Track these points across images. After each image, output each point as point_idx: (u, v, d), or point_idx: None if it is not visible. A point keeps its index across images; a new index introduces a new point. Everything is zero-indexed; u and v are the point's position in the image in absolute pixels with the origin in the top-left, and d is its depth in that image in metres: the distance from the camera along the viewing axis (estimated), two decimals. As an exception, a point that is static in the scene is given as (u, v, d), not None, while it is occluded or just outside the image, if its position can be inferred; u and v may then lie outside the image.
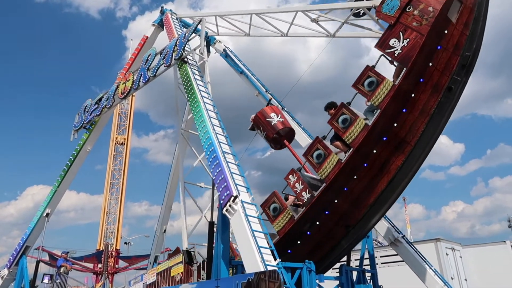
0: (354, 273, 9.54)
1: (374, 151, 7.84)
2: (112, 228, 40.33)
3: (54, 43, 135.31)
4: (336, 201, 8.13)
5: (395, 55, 7.75)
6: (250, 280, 6.05)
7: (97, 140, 17.91)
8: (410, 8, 7.78)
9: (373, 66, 8.20)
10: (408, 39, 7.65)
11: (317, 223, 8.27)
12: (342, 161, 7.94)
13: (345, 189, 8.07)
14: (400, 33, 7.80)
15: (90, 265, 36.04)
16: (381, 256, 15.72)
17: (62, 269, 14.28)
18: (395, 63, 7.98)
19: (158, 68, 13.58)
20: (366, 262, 10.42)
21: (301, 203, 8.38)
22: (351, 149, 7.87)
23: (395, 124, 7.80)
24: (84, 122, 16.82)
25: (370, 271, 10.03)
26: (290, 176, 8.72)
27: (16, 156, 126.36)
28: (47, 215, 16.38)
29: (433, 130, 7.89)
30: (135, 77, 14.51)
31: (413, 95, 7.73)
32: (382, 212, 8.48)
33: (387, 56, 8.04)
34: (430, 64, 7.67)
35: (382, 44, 8.02)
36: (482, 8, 7.85)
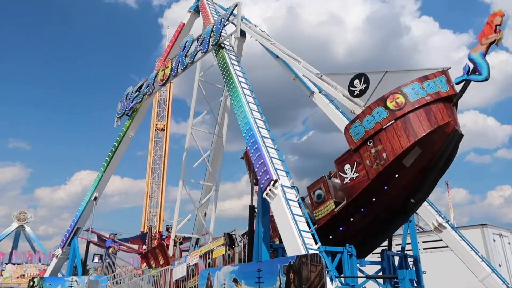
0: (396, 258, 9.40)
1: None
2: (154, 212, 41.85)
3: (94, 33, 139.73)
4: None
5: (344, 182, 7.83)
6: (291, 263, 6.11)
7: (138, 126, 18.54)
8: (371, 143, 7.55)
9: (329, 177, 8.54)
10: (358, 174, 7.63)
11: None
12: (335, 211, 8.11)
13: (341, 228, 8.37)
14: (355, 163, 7.73)
15: (135, 247, 37.74)
16: (423, 242, 15.34)
17: (110, 250, 15.05)
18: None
19: (196, 54, 13.75)
20: (408, 247, 10.22)
21: None
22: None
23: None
24: (126, 109, 17.39)
25: (412, 256, 9.83)
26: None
27: (64, 143, 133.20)
28: (95, 198, 17.24)
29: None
30: (173, 64, 14.77)
31: (351, 219, 8.00)
32: None
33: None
34: (374, 199, 7.68)
35: (339, 164, 8.06)
36: (445, 155, 7.45)
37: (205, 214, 18.22)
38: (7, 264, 40.27)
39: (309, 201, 8.87)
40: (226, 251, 9.54)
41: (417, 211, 10.14)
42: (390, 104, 7.48)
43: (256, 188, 9.34)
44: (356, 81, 9.08)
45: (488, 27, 7.09)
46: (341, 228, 8.26)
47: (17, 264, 40.48)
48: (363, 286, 8.52)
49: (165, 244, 15.28)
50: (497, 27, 6.93)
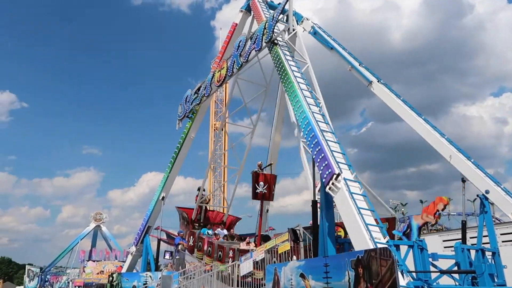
0: (472, 252, 8.83)
1: None
2: (217, 209, 42.97)
3: (151, 41, 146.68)
4: None
5: None
6: (360, 258, 5.98)
7: (199, 127, 19.18)
8: None
9: None
10: None
11: None
12: None
13: None
14: None
15: (201, 243, 39.04)
16: (501, 234, 14.25)
17: (179, 247, 15.72)
18: None
19: (250, 53, 13.91)
20: (484, 240, 9.55)
21: None
22: None
23: None
24: (186, 111, 18.06)
25: (490, 250, 9.17)
26: None
27: (131, 147, 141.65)
28: (163, 198, 18.16)
29: None
30: (228, 64, 15.07)
31: None
32: None
33: None
34: None
35: None
36: None
37: (267, 211, 18.42)
38: (88, 261, 43.70)
39: None
40: (291, 246, 9.58)
41: (493, 200, 9.47)
42: None
43: (318, 183, 9.28)
44: None
45: (432, 206, 8.33)
46: None
47: (97, 261, 43.74)
48: (437, 282, 8.14)
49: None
50: (437, 212, 8.16)
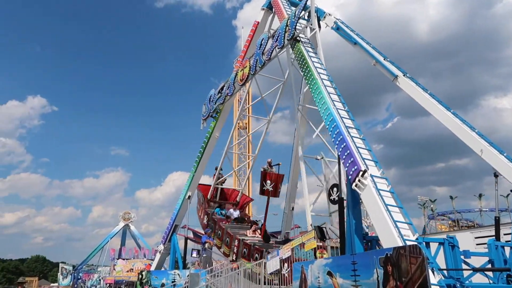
0: (506, 249, 8.53)
1: None
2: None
3: (174, 42, 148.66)
4: None
5: None
6: (388, 255, 5.88)
7: (222, 126, 19.32)
8: None
9: None
10: None
11: None
12: None
13: None
14: None
15: (227, 241, 39.34)
16: (537, 230, 13.71)
17: (206, 245, 15.89)
18: None
19: (272, 51, 13.88)
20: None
21: None
22: None
23: None
24: (210, 111, 18.22)
25: (526, 246, 8.83)
26: None
27: (157, 148, 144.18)
28: (189, 197, 18.42)
29: None
30: (251, 63, 15.10)
31: None
32: None
33: None
34: None
35: None
36: None
37: (293, 208, 18.38)
38: (118, 259, 44.83)
39: None
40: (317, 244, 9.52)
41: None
42: None
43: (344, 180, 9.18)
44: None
45: None
46: None
47: (126, 259, 44.82)
48: (470, 280, 7.91)
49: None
50: None
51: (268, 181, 15.29)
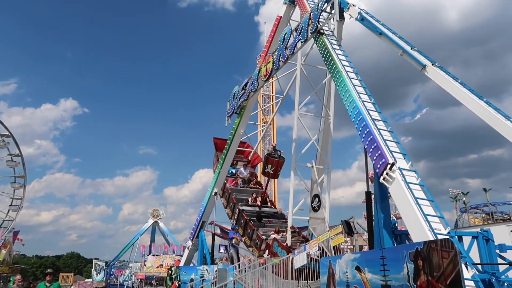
0: (546, 242, 8.14)
1: None
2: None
3: (198, 42, 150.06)
4: None
5: None
6: (419, 250, 5.72)
7: (247, 123, 19.32)
8: None
9: None
10: None
11: None
12: None
13: None
14: None
15: (254, 237, 39.53)
16: None
17: (233, 241, 16.01)
18: None
19: (296, 45, 13.74)
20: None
21: None
22: None
23: None
24: (235, 107, 18.25)
25: None
26: None
27: (183, 146, 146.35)
28: (215, 194, 18.55)
29: None
30: (274, 58, 15.00)
31: None
32: None
33: None
34: None
35: None
36: None
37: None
38: (148, 255, 45.89)
39: None
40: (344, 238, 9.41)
41: None
42: None
43: (371, 173, 9.00)
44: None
45: None
46: None
47: (156, 255, 45.82)
48: (506, 274, 7.60)
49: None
50: None
51: (270, 165, 17.00)
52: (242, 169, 21.19)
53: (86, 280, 57.12)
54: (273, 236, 15.31)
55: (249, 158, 22.54)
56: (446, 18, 74.85)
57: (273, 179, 18.70)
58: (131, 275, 48.34)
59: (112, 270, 53.68)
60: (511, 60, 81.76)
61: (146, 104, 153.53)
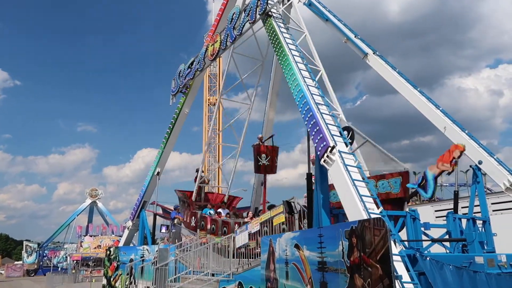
0: (463, 221, 9.03)
1: None
2: (213, 184, 43.30)
3: (143, 18, 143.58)
4: None
5: None
6: (353, 228, 6.08)
7: (192, 102, 19.01)
8: None
9: None
10: None
11: None
12: None
13: None
14: None
15: (197, 217, 39.56)
16: (492, 203, 14.57)
17: (175, 221, 15.89)
18: None
19: (244, 25, 13.64)
20: (476, 210, 9.75)
21: None
22: None
23: None
24: (180, 86, 17.86)
25: (481, 218, 9.37)
26: None
27: (125, 124, 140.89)
28: (158, 173, 18.22)
29: None
30: (222, 38, 14.80)
31: None
32: None
33: None
34: None
35: None
36: None
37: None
38: (85, 236, 44.20)
39: None
40: (285, 218, 9.70)
41: (486, 171, 9.59)
42: None
43: (312, 156, 9.31)
44: (345, 132, 8.96)
45: (448, 154, 8.16)
46: None
47: (94, 236, 44.26)
48: (428, 250, 8.35)
49: None
50: (454, 159, 8.02)
51: (264, 155, 14.23)
52: (221, 209, 16.83)
53: (16, 262, 54.00)
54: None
55: (225, 200, 18.36)
56: (387, 11, 78.15)
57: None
58: (66, 257, 46.40)
59: (45, 251, 51.11)
60: (443, 54, 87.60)
61: (86, 80, 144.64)
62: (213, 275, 11.43)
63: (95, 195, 53.37)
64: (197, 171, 18.63)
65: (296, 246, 7.58)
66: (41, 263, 49.25)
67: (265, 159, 14.15)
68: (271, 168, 14.69)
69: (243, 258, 10.74)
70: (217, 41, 15.15)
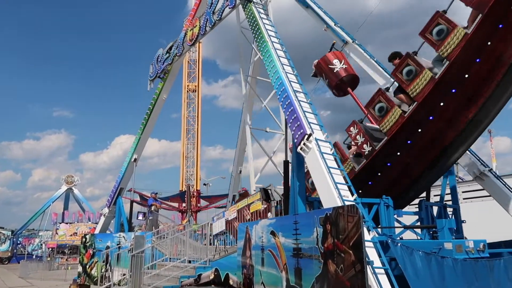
0: (435, 209, 9.29)
1: (441, 104, 7.36)
2: (191, 171, 43.13)
3: (120, 1, 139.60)
4: (398, 154, 7.98)
5: None
6: (328, 215, 6.16)
7: (171, 88, 18.72)
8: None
9: (444, 11, 7.41)
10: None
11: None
12: (405, 115, 7.61)
13: (409, 142, 7.84)
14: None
15: (175, 204, 39.45)
16: (462, 192, 15.06)
17: (153, 208, 15.79)
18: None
19: (223, 10, 13.44)
20: (447, 198, 10.04)
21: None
22: (415, 102, 7.48)
23: (467, 76, 7.07)
24: (158, 71, 17.52)
25: (451, 206, 9.67)
26: (352, 128, 8.59)
27: (103, 110, 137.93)
28: (135, 160, 17.94)
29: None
30: (201, 23, 14.55)
31: (489, 43, 6.85)
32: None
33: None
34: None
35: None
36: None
37: (240, 172, 18.58)
38: (60, 223, 43.44)
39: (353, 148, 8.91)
40: (262, 205, 9.76)
41: (458, 161, 9.84)
42: None
43: (290, 143, 9.34)
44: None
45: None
46: (388, 164, 8.16)
47: (69, 223, 43.55)
48: (400, 236, 8.56)
49: None
50: None
51: (336, 60, 9.64)
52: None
53: (-12, 250, 52.71)
54: None
55: None
56: (368, 0, 78.61)
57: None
58: (41, 244, 45.57)
59: (19, 239, 50.05)
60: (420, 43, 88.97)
61: (62, 64, 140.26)
62: (190, 261, 11.43)
63: (71, 182, 52.37)
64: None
65: (272, 233, 7.65)
66: (15, 250, 48.24)
67: (341, 64, 9.65)
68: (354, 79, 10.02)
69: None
70: (196, 25, 14.89)
